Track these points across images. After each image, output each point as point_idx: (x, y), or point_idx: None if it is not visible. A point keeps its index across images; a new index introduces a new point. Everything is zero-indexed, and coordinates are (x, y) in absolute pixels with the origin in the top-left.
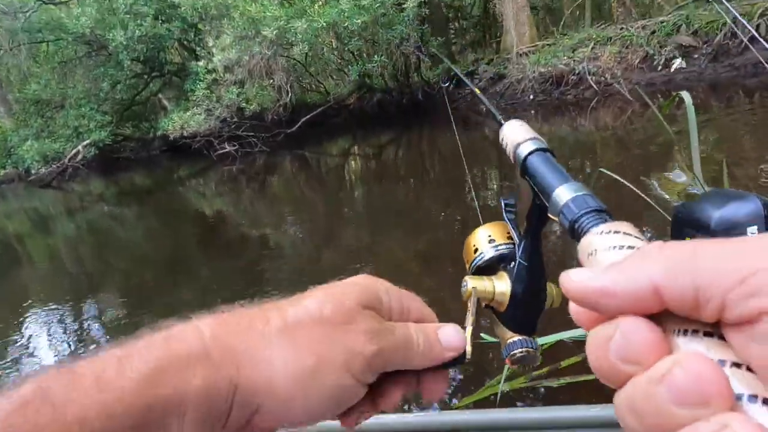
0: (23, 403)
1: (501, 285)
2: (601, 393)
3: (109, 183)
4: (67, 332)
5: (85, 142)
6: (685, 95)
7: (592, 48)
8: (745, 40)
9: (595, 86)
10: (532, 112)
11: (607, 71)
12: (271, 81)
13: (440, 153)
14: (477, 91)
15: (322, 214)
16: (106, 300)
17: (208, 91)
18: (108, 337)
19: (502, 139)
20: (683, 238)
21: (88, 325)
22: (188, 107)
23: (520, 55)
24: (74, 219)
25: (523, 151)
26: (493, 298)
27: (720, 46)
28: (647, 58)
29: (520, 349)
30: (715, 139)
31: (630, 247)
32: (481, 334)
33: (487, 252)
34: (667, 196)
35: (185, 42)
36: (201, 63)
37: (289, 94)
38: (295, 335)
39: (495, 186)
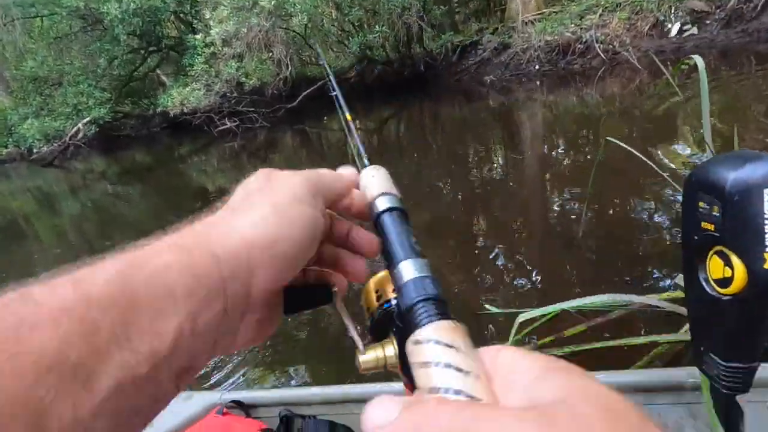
0: (4, 303)
1: (390, 350)
2: (605, 361)
3: (111, 161)
4: None
5: (84, 120)
6: (698, 59)
7: (600, 15)
8: (760, 3)
9: (602, 55)
10: (538, 82)
11: (615, 39)
12: (270, 54)
13: (443, 126)
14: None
15: None
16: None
17: (207, 66)
18: None
19: (361, 187)
20: (696, 203)
21: None
22: (187, 83)
23: (526, 23)
24: (78, 197)
25: (377, 207)
26: (387, 364)
27: (733, 11)
28: (657, 25)
29: None
30: (725, 105)
31: (458, 392)
32: (486, 306)
33: (375, 312)
34: (673, 166)
35: (181, 15)
36: (198, 36)
37: (289, 68)
38: (251, 203)
39: (499, 160)
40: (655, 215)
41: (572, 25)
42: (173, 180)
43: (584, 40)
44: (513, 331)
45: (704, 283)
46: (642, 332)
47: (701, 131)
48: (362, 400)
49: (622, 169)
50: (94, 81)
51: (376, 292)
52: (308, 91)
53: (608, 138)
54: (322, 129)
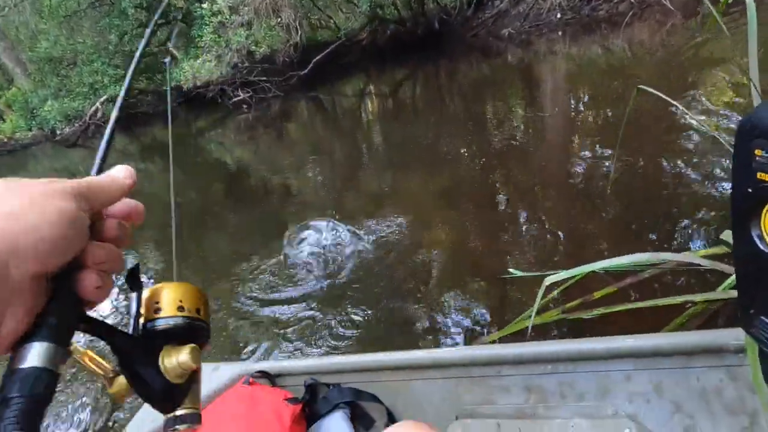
0: None
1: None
2: (637, 323)
3: (131, 138)
4: None
5: (102, 99)
6: None
7: None
8: None
9: None
10: (559, 33)
11: None
12: (279, 20)
13: (459, 86)
14: None
15: (340, 157)
16: (140, 250)
17: (216, 36)
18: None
19: None
20: (752, 152)
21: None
22: (198, 54)
23: None
24: None
25: None
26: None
27: None
28: None
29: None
30: None
31: None
32: (510, 269)
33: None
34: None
35: None
36: (205, 5)
37: (299, 33)
38: (5, 197)
39: (520, 118)
40: (691, 169)
41: None
42: (192, 154)
43: None
44: (539, 294)
45: (758, 240)
46: (676, 292)
47: (743, 79)
48: (386, 368)
49: (653, 121)
50: (107, 58)
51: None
52: (319, 56)
53: (640, 86)
54: (335, 95)
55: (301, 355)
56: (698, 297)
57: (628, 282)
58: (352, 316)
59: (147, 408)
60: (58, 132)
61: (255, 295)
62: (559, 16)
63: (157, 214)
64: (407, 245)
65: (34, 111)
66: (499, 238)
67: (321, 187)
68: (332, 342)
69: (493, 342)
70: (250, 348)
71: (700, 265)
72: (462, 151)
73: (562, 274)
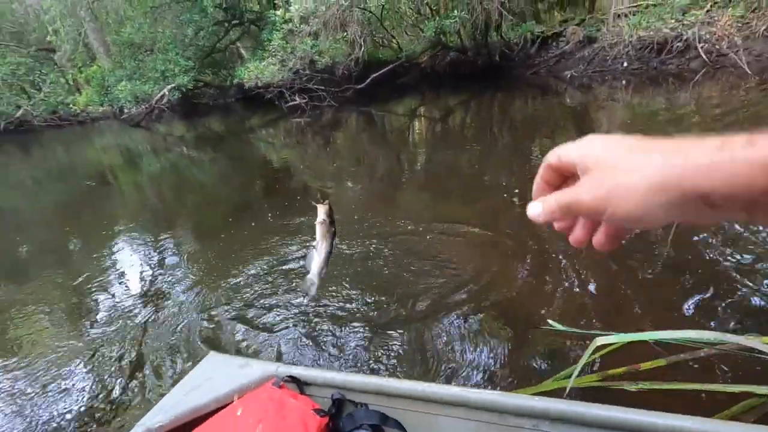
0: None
1: None
2: (684, 405)
3: (189, 126)
4: (145, 254)
5: (170, 86)
6: None
7: (708, 11)
8: None
9: (704, 56)
10: (623, 81)
11: (723, 39)
12: (345, 34)
13: (512, 120)
14: None
15: (382, 173)
16: (178, 230)
17: (284, 42)
18: (176, 259)
19: None
20: None
21: (162, 250)
22: (264, 57)
23: (618, 16)
24: (158, 157)
25: None
26: None
27: None
28: None
29: None
30: None
31: None
32: (549, 321)
33: None
34: None
35: None
36: (278, 12)
37: (362, 48)
38: None
39: None
40: (764, 245)
41: (672, 21)
42: (242, 149)
43: (684, 38)
44: (586, 354)
45: None
46: (733, 378)
47: None
48: (414, 398)
49: None
50: (181, 50)
51: None
52: (378, 73)
53: None
54: (387, 113)
55: (325, 364)
56: (761, 389)
57: (681, 358)
58: (374, 334)
59: (172, 394)
60: (125, 111)
61: (279, 294)
62: (625, 65)
63: (201, 198)
64: (439, 274)
65: (109, 89)
66: (538, 284)
67: (357, 200)
68: (355, 357)
69: (526, 394)
70: (274, 346)
71: (765, 353)
72: (505, 185)
73: (613, 338)
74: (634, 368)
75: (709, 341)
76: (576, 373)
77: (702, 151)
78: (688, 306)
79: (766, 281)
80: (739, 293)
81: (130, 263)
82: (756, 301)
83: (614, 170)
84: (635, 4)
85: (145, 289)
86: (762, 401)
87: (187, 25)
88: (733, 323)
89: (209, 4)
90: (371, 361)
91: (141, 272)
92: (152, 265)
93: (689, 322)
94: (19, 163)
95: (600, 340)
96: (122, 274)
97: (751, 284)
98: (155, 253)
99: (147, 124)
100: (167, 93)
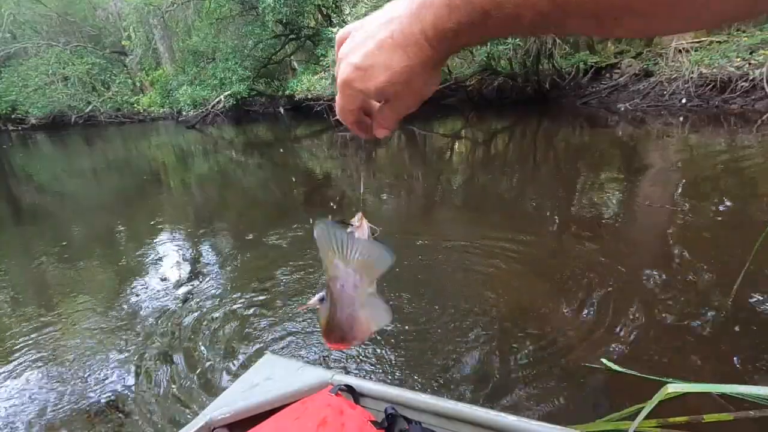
0: None
1: None
2: None
3: (239, 132)
4: (186, 250)
5: (226, 93)
6: None
7: None
8: None
9: None
10: (681, 118)
11: None
12: None
13: (556, 150)
14: None
15: (418, 190)
16: (220, 230)
17: None
18: (217, 257)
19: None
20: None
21: (203, 246)
22: (317, 71)
23: (679, 51)
24: (207, 159)
25: None
26: None
27: None
28: None
29: None
30: None
31: None
32: (603, 360)
33: None
34: None
35: (323, 8)
36: (334, 30)
37: None
38: None
39: (616, 196)
40: None
41: (738, 60)
42: (286, 158)
43: (751, 77)
44: (656, 398)
45: None
46: None
47: None
48: (469, 421)
49: None
50: (240, 60)
51: None
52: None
53: None
54: (430, 132)
55: (375, 376)
56: None
57: (750, 415)
58: (417, 353)
59: (230, 390)
60: (183, 113)
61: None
62: (684, 101)
63: (243, 200)
64: (484, 297)
65: (170, 92)
66: (587, 324)
67: (392, 216)
68: (402, 373)
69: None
70: (314, 352)
71: None
72: (546, 215)
73: (686, 386)
74: (697, 419)
75: None
76: (643, 415)
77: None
78: (753, 362)
79: None
80: None
81: (174, 256)
82: None
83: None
84: (697, 40)
85: (186, 284)
86: None
87: (247, 37)
88: None
89: (270, 18)
90: (419, 379)
91: (184, 266)
92: (195, 261)
93: (753, 378)
94: (83, 154)
95: (672, 387)
96: (168, 266)
97: None
98: (197, 249)
99: (201, 126)
100: (223, 99)
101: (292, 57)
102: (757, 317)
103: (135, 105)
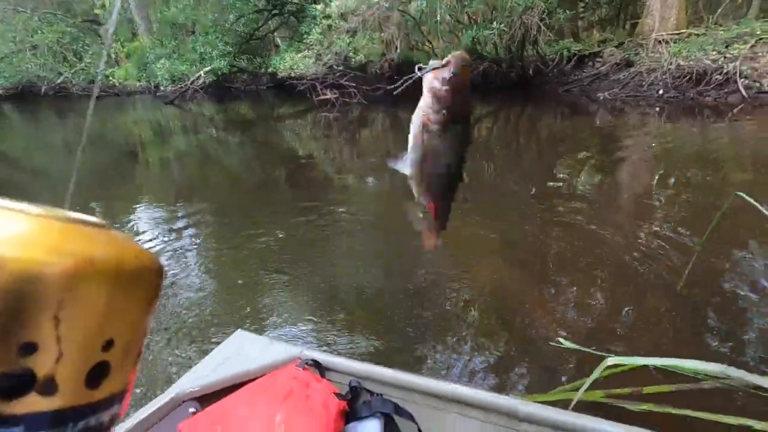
0: None
1: None
2: (684, 430)
3: (220, 109)
4: (164, 228)
5: (206, 68)
6: None
7: (752, 46)
8: None
9: (743, 91)
10: (657, 109)
11: (765, 76)
12: (382, 34)
13: (538, 136)
14: None
15: (403, 176)
16: (198, 207)
17: (321, 36)
18: (195, 236)
19: None
20: None
21: (182, 225)
22: (300, 49)
23: (659, 42)
24: (187, 136)
25: None
26: None
27: None
28: None
29: None
30: None
31: None
32: (560, 339)
33: None
34: None
35: None
36: (319, 7)
37: (397, 50)
38: None
39: (592, 184)
40: None
41: (714, 53)
42: (269, 137)
43: (725, 71)
44: (597, 371)
45: None
46: (734, 411)
47: None
48: (428, 394)
49: (744, 226)
50: (221, 34)
51: None
52: (410, 76)
53: (739, 193)
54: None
55: (336, 350)
56: (761, 424)
57: (687, 387)
58: (384, 330)
59: (205, 361)
60: (161, 88)
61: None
62: (660, 92)
63: (223, 179)
64: (451, 281)
65: (147, 65)
66: (549, 303)
67: (374, 198)
68: (369, 348)
69: (534, 401)
70: (288, 326)
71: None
72: (523, 199)
73: (625, 359)
74: (638, 390)
75: (716, 374)
76: (585, 386)
77: None
78: (697, 338)
79: None
80: (748, 331)
81: (151, 232)
82: (764, 341)
83: None
84: (677, 32)
85: (163, 258)
86: None
87: (228, 10)
88: (739, 359)
89: None
90: (383, 354)
91: (161, 241)
92: (171, 236)
93: (695, 353)
94: (55, 126)
95: (611, 360)
96: (142, 241)
97: (760, 325)
98: (176, 227)
99: (180, 102)
100: (203, 75)
101: (275, 33)
102: (702, 300)
103: (110, 78)
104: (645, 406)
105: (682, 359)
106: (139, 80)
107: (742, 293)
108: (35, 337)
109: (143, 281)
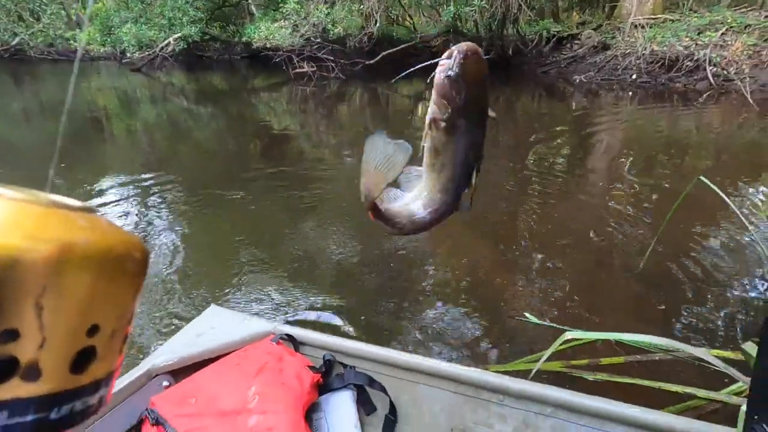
0: None
1: None
2: (635, 399)
3: (191, 79)
4: (132, 202)
5: (176, 35)
6: None
7: (723, 34)
8: None
9: (711, 79)
10: (629, 93)
11: (732, 64)
12: (361, 6)
13: (514, 117)
14: None
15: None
16: (168, 179)
17: (299, 6)
18: (165, 210)
19: None
20: None
21: (150, 197)
22: (276, 19)
23: (636, 26)
24: (155, 106)
25: None
26: None
27: None
28: None
29: None
30: None
31: None
32: (526, 314)
33: None
34: (755, 224)
35: None
36: None
37: (377, 24)
38: None
39: (566, 167)
40: (731, 270)
41: (687, 39)
42: (243, 109)
43: (696, 57)
44: (556, 344)
45: None
46: (680, 381)
47: None
48: (399, 366)
49: (704, 212)
50: None
51: None
52: (389, 51)
53: (701, 178)
54: (392, 92)
55: (312, 326)
56: (701, 392)
57: (637, 358)
58: (359, 306)
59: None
60: (128, 54)
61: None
62: (634, 77)
63: (195, 151)
64: (424, 256)
65: (112, 29)
66: (518, 279)
67: (349, 178)
68: (346, 322)
69: (497, 372)
70: (261, 301)
71: (712, 363)
72: (496, 180)
73: (581, 334)
74: (595, 361)
75: (664, 347)
76: (543, 358)
77: None
78: (650, 314)
79: (722, 302)
80: (697, 309)
81: (118, 205)
82: (710, 317)
83: None
84: (653, 17)
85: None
86: (701, 403)
87: None
88: (687, 334)
89: None
90: (359, 328)
91: (128, 215)
92: (140, 210)
93: (649, 328)
94: (11, 92)
95: (568, 334)
96: (109, 215)
97: (709, 304)
98: (144, 201)
99: (147, 70)
100: (173, 42)
101: (249, 0)
102: (660, 279)
103: (71, 41)
104: (600, 376)
105: (635, 334)
106: (103, 45)
107: (696, 274)
108: (17, 324)
109: (128, 266)
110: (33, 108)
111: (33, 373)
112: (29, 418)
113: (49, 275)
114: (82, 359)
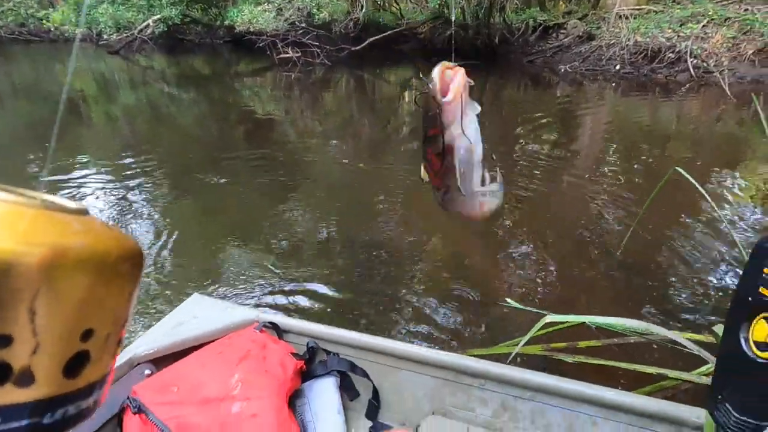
0: None
1: None
2: (610, 380)
3: (171, 63)
4: (111, 188)
5: (155, 17)
6: None
7: (704, 26)
8: None
9: (692, 71)
10: (613, 84)
11: (712, 56)
12: None
13: (500, 105)
14: None
15: (365, 139)
16: (149, 165)
17: None
18: (146, 194)
19: None
20: (762, 269)
21: (130, 182)
22: (260, 2)
23: (620, 17)
24: (135, 90)
25: None
26: None
27: None
28: (764, 51)
29: None
30: None
31: None
32: (508, 299)
33: None
34: (731, 213)
35: None
36: None
37: (363, 9)
38: None
39: (549, 155)
40: (702, 258)
41: (669, 31)
42: (226, 95)
43: (677, 49)
44: (535, 328)
45: (743, 342)
46: (654, 362)
47: None
48: (381, 352)
49: (680, 200)
50: None
51: None
52: (375, 38)
53: (677, 168)
54: (378, 79)
55: (296, 314)
56: (673, 373)
57: (614, 341)
58: (343, 294)
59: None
60: (104, 36)
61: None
62: (617, 67)
63: (176, 137)
64: (407, 243)
65: (88, 10)
66: (500, 265)
67: (334, 162)
68: (329, 311)
69: (478, 356)
70: (246, 289)
71: (684, 345)
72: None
73: (560, 317)
74: (573, 345)
75: (639, 330)
76: (523, 342)
77: None
78: (628, 299)
79: (697, 287)
80: (672, 294)
81: (97, 192)
82: (684, 302)
83: None
84: (638, 8)
85: (112, 222)
86: (673, 384)
87: None
88: (661, 317)
89: None
90: (342, 315)
91: (108, 202)
92: (120, 196)
93: (626, 312)
94: None
95: (548, 318)
96: (91, 207)
97: (683, 289)
98: (123, 183)
99: (126, 53)
100: (152, 24)
101: None
102: (637, 266)
103: (44, 21)
104: (578, 358)
105: (611, 317)
106: (78, 26)
107: (671, 261)
108: (10, 330)
109: (123, 269)
110: (5, 90)
111: (26, 378)
112: (23, 423)
113: (42, 280)
114: (76, 363)
